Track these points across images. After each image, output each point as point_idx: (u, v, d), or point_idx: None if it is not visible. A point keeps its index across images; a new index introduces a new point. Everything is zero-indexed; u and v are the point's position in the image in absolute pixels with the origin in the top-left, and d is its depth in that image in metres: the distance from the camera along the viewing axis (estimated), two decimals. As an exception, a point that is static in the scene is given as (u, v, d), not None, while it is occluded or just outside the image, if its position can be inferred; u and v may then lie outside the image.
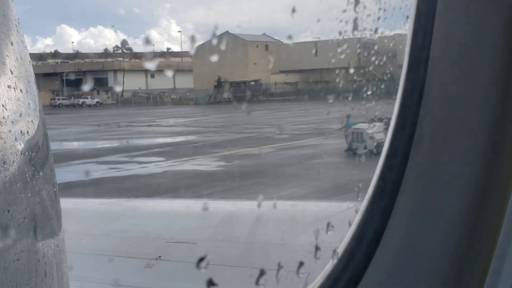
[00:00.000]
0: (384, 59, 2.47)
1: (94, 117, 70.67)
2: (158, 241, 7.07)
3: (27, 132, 2.00)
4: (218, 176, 25.60)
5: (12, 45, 1.99)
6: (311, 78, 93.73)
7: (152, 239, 7.28)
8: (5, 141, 1.80)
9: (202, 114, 73.02)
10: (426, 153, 1.51)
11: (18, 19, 2.12)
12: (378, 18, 1.95)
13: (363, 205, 1.65)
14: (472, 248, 1.42)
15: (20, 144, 1.91)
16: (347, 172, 23.82)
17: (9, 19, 2.03)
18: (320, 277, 1.70)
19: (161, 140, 42.15)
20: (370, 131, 26.64)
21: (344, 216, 1.83)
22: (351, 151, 28.16)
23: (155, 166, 29.57)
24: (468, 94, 1.44)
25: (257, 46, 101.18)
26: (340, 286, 1.63)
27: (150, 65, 1.40)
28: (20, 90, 1.98)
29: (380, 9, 1.91)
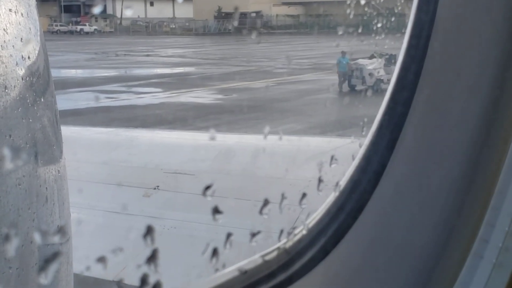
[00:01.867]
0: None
1: (92, 44, 69.84)
2: (156, 171, 7.15)
3: (28, 57, 1.98)
4: (215, 109, 25.58)
5: (12, -34, 1.94)
6: (313, 11, 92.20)
7: (150, 169, 7.36)
8: (6, 66, 1.78)
9: (201, 45, 72.23)
10: (435, 86, 1.50)
11: None
12: None
13: (367, 138, 1.65)
14: (475, 182, 1.43)
15: (21, 69, 1.90)
16: (343, 108, 23.85)
17: None
18: (323, 208, 1.72)
19: (159, 71, 41.85)
20: (369, 67, 26.45)
21: (347, 151, 1.83)
22: (348, 88, 28.00)
23: (152, 97, 29.48)
24: (481, 29, 1.42)
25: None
26: (344, 215, 1.65)
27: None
28: (21, 14, 1.94)
29: None
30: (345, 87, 28.38)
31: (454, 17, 1.46)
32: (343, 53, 28.13)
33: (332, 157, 1.98)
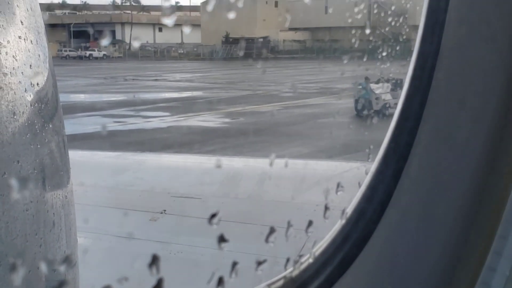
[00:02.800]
0: (401, 20, 2.44)
1: (100, 69, 70.44)
2: (163, 195, 7.15)
3: (37, 84, 1.99)
4: (222, 133, 25.64)
5: (23, -5, 1.97)
6: (320, 36, 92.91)
7: (157, 193, 7.35)
8: (15, 92, 1.79)
9: (209, 70, 72.71)
10: (440, 116, 1.50)
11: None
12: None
13: (373, 166, 1.65)
14: (482, 211, 1.43)
15: (30, 96, 1.91)
16: (351, 132, 23.82)
17: (20, -31, 2.00)
18: (329, 236, 1.72)
19: (167, 95, 42.08)
20: (376, 92, 26.42)
21: (353, 176, 1.83)
22: (358, 113, 27.91)
23: (160, 120, 29.60)
24: (486, 58, 1.42)
25: (266, 2, 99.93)
26: (349, 244, 1.65)
27: (168, 21, 1.37)
28: (31, 41, 1.96)
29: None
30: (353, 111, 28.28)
31: (459, 47, 1.47)
32: (366, 78, 27.43)
33: (338, 184, 1.98)
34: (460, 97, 1.46)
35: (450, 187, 1.48)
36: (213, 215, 1.66)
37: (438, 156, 1.51)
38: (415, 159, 1.53)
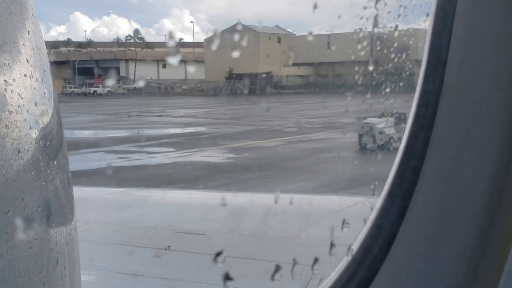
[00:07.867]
0: (404, 56, 2.46)
1: (105, 106, 70.92)
2: (167, 231, 7.10)
3: (42, 121, 2.00)
4: (226, 169, 25.63)
5: (29, 34, 2.00)
6: (322, 71, 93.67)
7: (161, 229, 7.30)
8: (20, 130, 1.80)
9: (212, 106, 73.14)
10: (444, 154, 1.50)
11: (33, 8, 2.13)
12: (399, 15, 1.95)
13: (378, 202, 1.64)
14: (488, 248, 1.41)
15: (35, 133, 1.92)
16: (356, 167, 23.79)
17: (26, 8, 2.03)
18: (335, 273, 1.70)
19: (171, 131, 42.22)
20: (380, 126, 26.48)
21: (359, 211, 1.82)
22: (359, 146, 27.93)
23: (164, 156, 29.64)
24: (489, 95, 1.43)
25: (269, 38, 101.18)
26: (355, 283, 1.63)
27: (173, 60, 1.38)
28: (36, 79, 1.98)
29: (400, 6, 1.91)
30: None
31: (461, 84, 1.48)
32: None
33: (343, 221, 1.96)
34: (464, 134, 1.47)
35: (456, 225, 1.47)
36: (218, 253, 1.64)
37: (444, 193, 1.50)
38: (421, 196, 1.53)
